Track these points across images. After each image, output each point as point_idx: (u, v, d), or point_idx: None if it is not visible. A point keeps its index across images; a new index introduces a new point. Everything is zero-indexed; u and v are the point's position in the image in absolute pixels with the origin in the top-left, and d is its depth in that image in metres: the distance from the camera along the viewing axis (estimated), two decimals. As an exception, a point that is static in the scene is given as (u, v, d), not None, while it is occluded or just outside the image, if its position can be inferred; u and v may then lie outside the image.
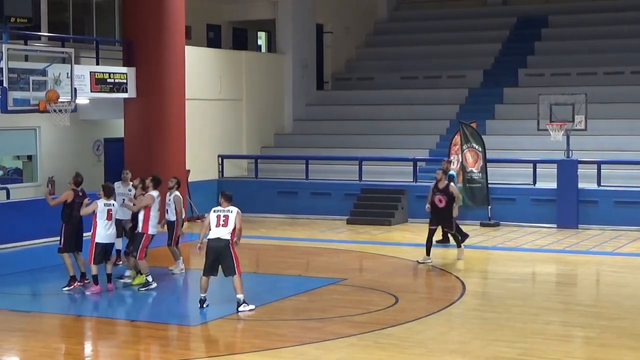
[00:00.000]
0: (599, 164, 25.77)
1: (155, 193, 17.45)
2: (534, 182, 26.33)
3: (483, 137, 26.53)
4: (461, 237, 20.75)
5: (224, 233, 14.93)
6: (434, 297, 17.02)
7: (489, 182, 25.78)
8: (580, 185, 25.47)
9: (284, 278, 18.22)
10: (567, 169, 25.48)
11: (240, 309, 15.00)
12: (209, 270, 15.21)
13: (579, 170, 25.48)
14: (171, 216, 18.56)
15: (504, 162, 27.19)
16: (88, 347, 13.71)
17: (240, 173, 30.42)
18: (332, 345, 13.06)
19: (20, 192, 25.07)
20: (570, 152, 25.52)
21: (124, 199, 18.40)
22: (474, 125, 26.61)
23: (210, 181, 28.83)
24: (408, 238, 23.95)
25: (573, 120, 25.31)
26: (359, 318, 14.76)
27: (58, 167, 26.31)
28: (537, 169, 26.30)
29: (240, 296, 15.04)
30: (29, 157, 26.55)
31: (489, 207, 25.86)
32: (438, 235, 21.25)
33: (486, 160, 25.82)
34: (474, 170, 25.76)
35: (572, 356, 12.65)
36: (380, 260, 20.39)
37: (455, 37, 36.26)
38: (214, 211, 15.12)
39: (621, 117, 29.03)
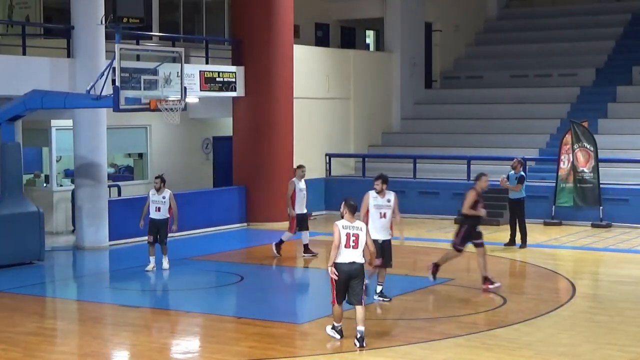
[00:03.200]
0: None
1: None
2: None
3: (595, 136, 26.03)
4: None
5: (357, 255, 12.99)
6: (543, 298, 16.73)
7: (600, 182, 25.27)
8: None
9: (391, 277, 18.09)
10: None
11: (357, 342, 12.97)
12: (343, 297, 13.17)
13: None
14: (165, 214, 19.05)
15: (617, 162, 26.66)
16: (195, 343, 13.86)
17: (347, 172, 30.43)
18: (439, 346, 12.96)
19: (132, 190, 25.55)
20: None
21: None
22: (585, 124, 26.14)
23: (318, 180, 28.88)
24: (516, 239, 23.59)
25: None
26: (466, 318, 14.62)
27: (168, 165, 26.76)
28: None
29: (362, 329, 12.97)
30: (140, 155, 27.03)
31: (601, 207, 25.35)
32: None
33: (598, 160, 25.32)
34: (586, 170, 25.29)
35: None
36: (489, 261, 20.11)
37: (566, 34, 35.67)
38: (343, 227, 13.10)
39: None
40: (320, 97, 29.37)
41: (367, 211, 16.01)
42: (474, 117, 31.97)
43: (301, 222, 20.35)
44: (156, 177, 19.23)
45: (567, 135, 25.92)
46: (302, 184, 20.22)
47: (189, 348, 13.52)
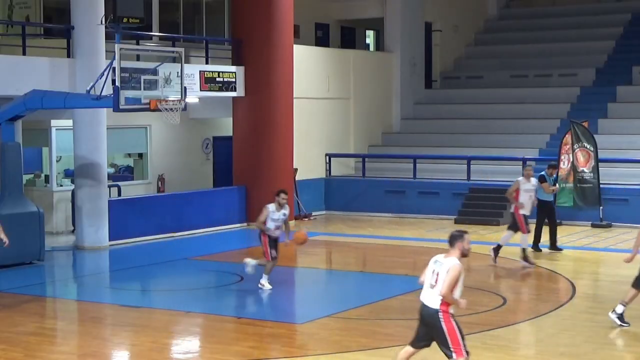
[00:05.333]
0: None
1: None
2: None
3: (595, 136, 26.02)
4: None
5: (432, 296, 10.37)
6: (543, 298, 16.74)
7: (600, 182, 25.26)
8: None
9: (391, 277, 18.14)
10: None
11: None
12: (416, 340, 10.89)
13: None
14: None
15: (617, 162, 26.65)
16: (195, 343, 13.86)
17: (347, 172, 30.42)
18: (439, 346, 12.93)
19: (131, 190, 25.55)
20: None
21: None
22: (585, 124, 26.12)
23: (318, 180, 28.90)
24: (517, 239, 23.57)
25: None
26: (466, 318, 14.55)
27: (168, 165, 26.78)
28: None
29: None
30: (140, 155, 27.03)
31: (601, 207, 25.35)
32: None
33: (598, 160, 25.31)
34: (586, 170, 25.28)
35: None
36: (489, 261, 20.15)
37: (566, 34, 35.67)
38: (435, 261, 10.45)
39: None
40: (320, 97, 29.36)
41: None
42: (474, 117, 31.96)
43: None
44: (282, 192, 16.93)
45: (567, 135, 25.89)
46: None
47: (189, 348, 13.52)
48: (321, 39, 33.76)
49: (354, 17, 34.79)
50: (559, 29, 36.17)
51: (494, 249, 19.92)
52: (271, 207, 16.67)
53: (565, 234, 24.04)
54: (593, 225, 25.23)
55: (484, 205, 26.62)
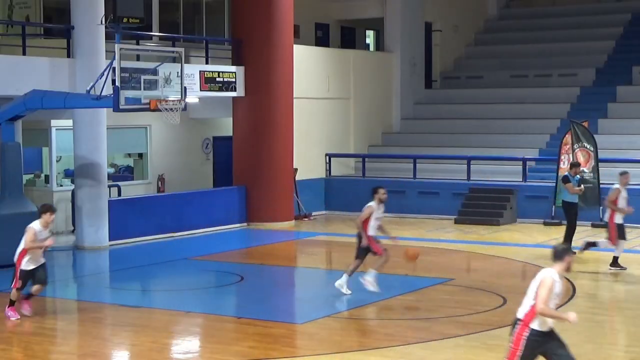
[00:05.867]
0: None
1: None
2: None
3: (595, 136, 26.03)
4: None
5: (522, 306, 9.84)
6: (543, 298, 16.68)
7: (600, 182, 25.26)
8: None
9: (391, 277, 18.10)
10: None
11: None
12: None
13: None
14: None
15: (617, 162, 26.62)
16: (195, 343, 13.86)
17: (347, 172, 30.41)
18: (439, 346, 12.96)
19: (131, 190, 25.56)
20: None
21: None
22: (585, 124, 26.14)
23: (318, 180, 28.90)
24: (517, 238, 23.64)
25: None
26: (466, 319, 14.61)
27: (168, 165, 26.78)
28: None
29: None
30: (140, 155, 27.03)
31: (601, 207, 25.33)
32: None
33: (598, 160, 25.32)
34: (586, 170, 25.26)
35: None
36: (489, 261, 20.16)
37: (566, 34, 35.67)
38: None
39: None
40: (321, 97, 29.36)
41: None
42: (474, 117, 31.96)
43: None
44: (380, 187, 16.38)
45: (567, 135, 25.92)
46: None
47: (189, 348, 13.52)
48: (321, 39, 33.76)
49: (354, 17, 34.78)
50: (558, 29, 36.17)
51: (614, 261, 19.24)
52: (374, 204, 16.12)
53: (564, 234, 24.05)
54: (593, 225, 25.19)
55: (484, 205, 26.62)
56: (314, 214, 27.94)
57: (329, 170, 29.65)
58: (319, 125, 29.29)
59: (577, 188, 21.05)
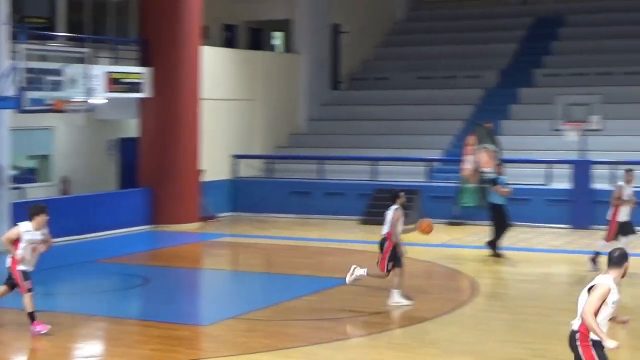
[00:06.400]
0: (613, 164, 25.70)
1: None
2: (548, 183, 26.28)
3: (498, 137, 26.48)
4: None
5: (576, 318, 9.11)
6: (447, 297, 16.97)
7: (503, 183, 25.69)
8: (595, 185, 25.45)
9: (296, 278, 18.21)
10: (582, 170, 25.44)
11: None
12: None
13: (593, 170, 25.46)
14: None
15: (519, 162, 27.09)
16: (98, 347, 13.75)
17: (254, 173, 30.39)
18: (343, 346, 13.05)
19: (34, 192, 25.17)
20: (586, 152, 25.46)
21: None
22: (488, 125, 26.55)
23: (224, 181, 28.84)
24: (421, 238, 23.71)
25: (589, 121, 25.23)
26: (370, 318, 14.75)
27: (73, 166, 26.44)
28: (551, 170, 26.24)
29: None
30: (44, 157, 26.65)
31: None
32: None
33: (501, 161, 25.74)
34: (488, 170, 25.66)
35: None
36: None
37: (472, 37, 36.17)
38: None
39: (637, 117, 28.89)
40: (228, 99, 29.31)
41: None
42: (380, 118, 32.22)
43: None
44: (401, 191, 16.38)
45: (470, 136, 26.30)
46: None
47: (92, 352, 13.40)
48: (229, 40, 33.70)
49: (263, 19, 34.78)
50: (464, 31, 36.66)
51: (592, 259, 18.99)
52: (399, 208, 15.91)
53: (469, 234, 24.41)
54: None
55: (389, 205, 26.75)
56: (220, 215, 27.89)
57: (235, 171, 29.60)
58: (225, 127, 29.24)
59: (506, 189, 21.18)
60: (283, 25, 35.62)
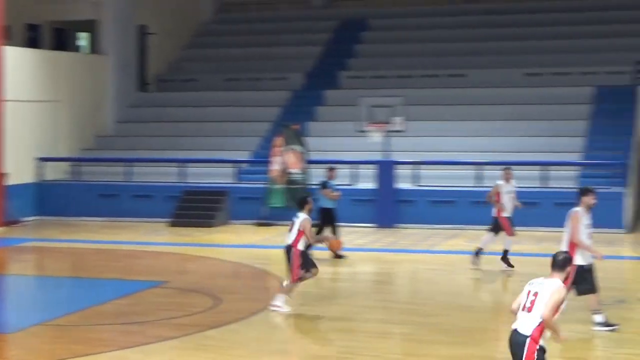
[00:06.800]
0: (415, 164, 26.54)
1: None
2: (354, 183, 26.87)
3: (305, 138, 26.89)
4: None
5: (525, 321, 8.99)
6: (256, 297, 17.12)
7: (310, 183, 26.11)
8: (398, 185, 26.18)
9: (105, 282, 17.99)
10: (385, 170, 26.13)
11: None
12: None
13: (397, 170, 26.19)
14: None
15: (325, 163, 27.48)
16: None
17: (60, 176, 29.77)
18: (153, 349, 12.99)
19: None
20: (390, 153, 26.15)
21: None
22: (295, 126, 26.91)
23: (29, 184, 28.15)
24: (229, 240, 24.05)
25: (392, 122, 25.92)
26: (180, 320, 14.73)
27: None
28: (356, 170, 26.84)
29: None
30: None
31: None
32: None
33: (307, 162, 26.16)
34: (296, 171, 26.05)
35: (391, 352, 12.98)
36: (203, 262, 20.40)
37: (278, 39, 36.51)
38: (530, 284, 9.12)
39: (438, 119, 29.88)
40: (32, 100, 28.62)
41: None
42: (188, 120, 32.16)
43: None
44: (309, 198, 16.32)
45: (278, 138, 26.61)
46: None
47: None
48: (33, 41, 32.91)
49: (67, 19, 34.14)
50: (270, 33, 36.96)
51: (475, 252, 19.32)
52: (307, 217, 15.72)
53: (277, 234, 24.67)
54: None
55: (197, 207, 26.88)
56: (24, 219, 27.22)
57: (40, 174, 28.92)
58: (30, 128, 28.54)
59: (335, 193, 21.26)
60: (88, 26, 35.09)
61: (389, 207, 25.91)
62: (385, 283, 19.15)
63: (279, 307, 15.29)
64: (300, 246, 15.43)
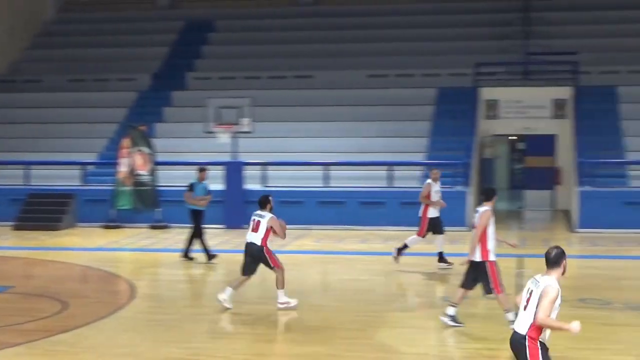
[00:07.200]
0: (264, 165, 26.71)
1: None
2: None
3: (152, 140, 26.73)
4: None
5: (522, 320, 9.06)
6: (104, 301, 16.93)
7: (158, 184, 26.00)
8: (247, 186, 26.29)
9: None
10: (234, 171, 26.20)
11: None
12: None
13: (245, 171, 26.29)
14: None
15: (173, 164, 27.47)
16: None
17: None
18: (-1, 355, 12.76)
19: None
20: (238, 154, 26.24)
21: None
22: (142, 128, 26.73)
23: None
24: (76, 242, 23.72)
25: (239, 123, 26.02)
26: (27, 326, 14.46)
27: None
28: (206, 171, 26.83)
29: None
30: None
31: (159, 209, 26.07)
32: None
33: (156, 163, 26.03)
34: (144, 173, 25.88)
35: (240, 353, 13.02)
36: (49, 266, 20.05)
37: (123, 40, 36.18)
38: (532, 281, 9.13)
39: (285, 120, 30.12)
40: None
41: None
42: (33, 121, 31.55)
43: None
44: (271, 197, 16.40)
45: (125, 139, 26.38)
46: None
47: None
48: None
49: None
50: (117, 34, 36.59)
51: (398, 248, 19.45)
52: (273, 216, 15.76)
53: (125, 237, 24.48)
54: (152, 227, 25.86)
55: (43, 210, 26.41)
56: None
57: None
58: None
59: (196, 199, 20.60)
60: None
61: (237, 208, 25.98)
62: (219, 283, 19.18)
63: (287, 303, 15.50)
64: (269, 244, 15.59)
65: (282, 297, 15.60)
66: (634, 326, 14.09)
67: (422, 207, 19.53)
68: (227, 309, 15.40)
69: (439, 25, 34.74)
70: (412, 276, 19.16)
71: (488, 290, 13.73)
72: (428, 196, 19.45)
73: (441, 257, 19.38)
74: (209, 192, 21.06)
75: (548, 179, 31.27)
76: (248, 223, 15.79)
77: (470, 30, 33.96)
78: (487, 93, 30.92)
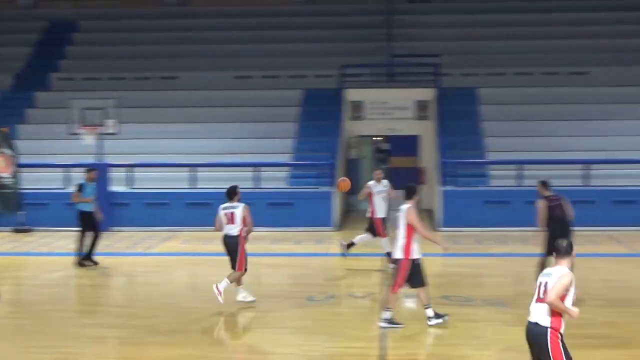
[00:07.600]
0: (129, 167, 26.52)
1: None
2: (67, 186, 26.48)
3: (15, 141, 26.24)
4: None
5: (540, 312, 9.24)
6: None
7: (21, 187, 25.55)
8: (112, 188, 26.05)
9: None
10: (99, 173, 25.89)
11: None
12: None
13: (110, 173, 26.04)
14: None
15: (37, 166, 27.01)
16: None
17: None
18: None
19: None
20: (103, 155, 25.98)
21: None
22: (4, 129, 26.23)
23: None
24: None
25: (104, 125, 25.76)
26: None
27: None
28: (69, 173, 26.48)
29: None
30: None
31: (22, 212, 25.62)
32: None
33: (18, 165, 25.57)
34: (6, 175, 25.40)
35: (106, 356, 12.95)
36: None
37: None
38: (543, 275, 9.46)
39: (151, 121, 29.94)
40: None
41: None
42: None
43: None
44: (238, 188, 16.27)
45: (-13, 141, 25.85)
46: None
47: None
48: None
49: None
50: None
51: (347, 244, 19.79)
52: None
53: (-13, 240, 24.02)
54: (15, 231, 25.41)
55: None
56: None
57: None
58: None
59: (83, 198, 20.08)
60: None
61: (103, 210, 25.61)
62: (102, 287, 19.02)
63: (244, 298, 15.69)
64: (245, 234, 15.66)
65: (240, 294, 15.85)
66: (495, 322, 14.52)
67: (369, 209, 19.67)
68: (252, 301, 15.75)
69: (304, 27, 35.02)
70: (282, 276, 19.35)
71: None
72: (370, 198, 19.53)
73: (389, 256, 18.73)
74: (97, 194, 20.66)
75: (412, 179, 31.89)
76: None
77: (336, 32, 34.35)
78: (352, 94, 31.34)
